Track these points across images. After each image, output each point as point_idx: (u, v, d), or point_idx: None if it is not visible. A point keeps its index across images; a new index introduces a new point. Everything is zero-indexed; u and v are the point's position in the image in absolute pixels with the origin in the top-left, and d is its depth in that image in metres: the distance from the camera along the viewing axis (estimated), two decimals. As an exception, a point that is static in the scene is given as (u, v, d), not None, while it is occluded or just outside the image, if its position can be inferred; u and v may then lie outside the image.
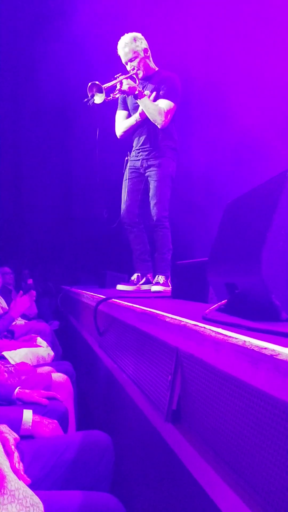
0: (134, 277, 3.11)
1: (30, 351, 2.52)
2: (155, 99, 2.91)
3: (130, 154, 3.11)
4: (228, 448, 0.84)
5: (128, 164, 3.11)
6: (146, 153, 3.00)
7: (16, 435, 1.32)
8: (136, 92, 2.83)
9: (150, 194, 2.98)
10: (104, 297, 2.43)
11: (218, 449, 0.89)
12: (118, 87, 2.84)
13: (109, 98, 2.82)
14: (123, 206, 3.09)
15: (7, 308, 4.17)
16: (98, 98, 2.74)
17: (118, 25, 4.53)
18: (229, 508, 0.81)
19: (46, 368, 2.23)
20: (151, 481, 1.46)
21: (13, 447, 1.07)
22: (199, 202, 5.08)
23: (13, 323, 3.76)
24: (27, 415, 1.45)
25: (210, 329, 1.00)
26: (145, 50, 2.95)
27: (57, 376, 2.04)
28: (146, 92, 2.95)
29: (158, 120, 2.86)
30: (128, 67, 2.99)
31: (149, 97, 2.91)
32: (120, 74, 2.93)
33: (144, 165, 3.03)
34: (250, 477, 0.75)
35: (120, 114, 3.14)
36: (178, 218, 5.10)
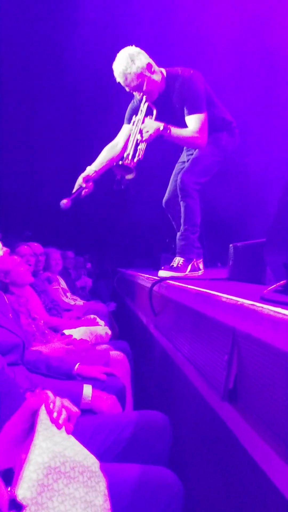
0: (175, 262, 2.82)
1: (89, 329, 2.62)
2: (182, 111, 2.51)
3: None
4: (286, 427, 0.83)
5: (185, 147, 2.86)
6: None
7: (77, 409, 1.38)
8: (161, 129, 2.38)
9: None
10: (159, 278, 2.45)
11: (276, 428, 0.88)
12: (138, 139, 2.40)
13: (138, 159, 2.41)
14: (168, 189, 2.83)
15: (67, 289, 4.35)
16: (130, 176, 2.40)
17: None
18: (288, 488, 0.80)
19: (104, 346, 2.30)
20: (207, 458, 1.47)
21: (51, 405, 0.96)
22: (256, 181, 4.93)
23: (72, 303, 3.92)
24: (87, 390, 1.51)
25: (268, 308, 0.98)
26: (148, 66, 2.38)
27: (115, 353, 2.11)
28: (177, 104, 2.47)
29: (199, 144, 2.48)
30: (137, 96, 2.52)
31: (178, 109, 2.51)
32: (132, 123, 2.48)
33: None
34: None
35: (126, 128, 2.68)
36: (234, 198, 4.99)
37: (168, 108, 2.54)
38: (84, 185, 2.61)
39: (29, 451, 0.76)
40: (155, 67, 2.44)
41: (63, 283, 4.25)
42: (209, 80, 2.60)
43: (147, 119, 2.45)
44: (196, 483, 1.55)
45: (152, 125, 2.38)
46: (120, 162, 2.36)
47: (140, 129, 2.40)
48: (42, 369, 1.69)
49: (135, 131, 2.43)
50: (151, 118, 2.49)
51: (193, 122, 2.45)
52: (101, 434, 1.32)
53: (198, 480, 1.54)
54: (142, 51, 2.41)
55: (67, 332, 2.65)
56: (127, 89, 2.46)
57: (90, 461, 0.83)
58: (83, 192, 2.63)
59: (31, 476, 0.72)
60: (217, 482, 1.36)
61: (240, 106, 4.93)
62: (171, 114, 2.54)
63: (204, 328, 1.43)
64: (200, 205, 2.64)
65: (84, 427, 1.33)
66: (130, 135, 2.48)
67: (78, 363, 1.74)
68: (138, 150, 2.41)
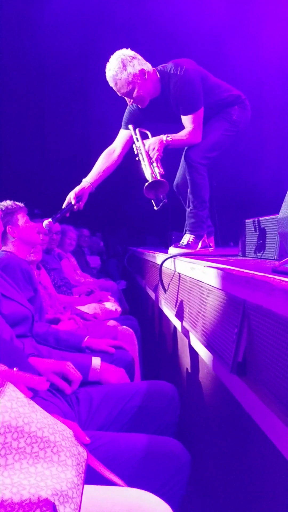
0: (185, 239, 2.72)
1: (98, 305, 2.62)
2: (178, 109, 2.46)
3: None
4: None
5: None
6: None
7: (80, 375, 1.38)
8: (164, 141, 2.37)
9: None
10: (169, 255, 2.42)
11: (286, 400, 0.86)
12: (152, 157, 2.37)
13: (159, 173, 2.33)
14: (178, 172, 2.78)
15: (78, 266, 4.35)
16: (164, 189, 2.33)
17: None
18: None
19: (113, 322, 2.31)
20: (215, 430, 1.47)
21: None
22: (269, 156, 4.83)
23: (82, 281, 3.93)
24: (96, 361, 1.51)
25: (280, 279, 0.95)
26: (141, 72, 2.31)
27: (123, 328, 2.11)
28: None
29: (194, 142, 2.46)
30: (129, 101, 2.46)
31: (176, 108, 2.46)
32: (135, 148, 2.45)
33: None
34: None
35: (123, 133, 2.63)
36: (246, 174, 4.92)
37: (167, 108, 2.50)
38: (73, 202, 2.53)
39: None
40: (149, 70, 2.36)
41: (73, 261, 4.25)
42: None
43: (147, 141, 2.44)
44: (204, 454, 1.56)
45: (154, 142, 2.38)
46: (147, 184, 2.29)
47: (146, 152, 2.39)
48: (51, 341, 1.70)
49: (143, 157, 2.39)
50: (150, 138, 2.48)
51: (188, 122, 2.44)
52: (109, 403, 1.32)
53: (205, 451, 1.55)
54: (137, 56, 2.34)
55: (78, 308, 2.66)
56: (118, 93, 2.42)
57: (60, 437, 0.79)
58: (74, 208, 2.55)
59: None
60: (225, 453, 1.37)
61: (255, 82, 4.81)
62: (171, 113, 2.51)
63: (214, 301, 1.42)
64: (210, 182, 2.58)
65: (92, 396, 1.33)
66: (141, 164, 2.42)
67: (87, 336, 1.74)
68: (156, 167, 2.37)
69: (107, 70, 2.35)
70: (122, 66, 2.30)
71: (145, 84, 2.35)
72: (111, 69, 2.32)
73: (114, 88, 2.39)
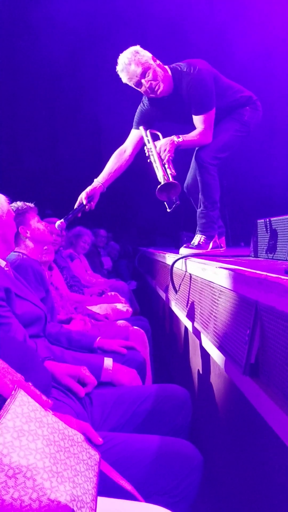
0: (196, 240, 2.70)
1: (109, 306, 2.63)
2: (189, 109, 2.46)
3: None
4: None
5: None
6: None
7: (95, 379, 1.39)
8: (175, 141, 2.36)
9: None
10: (180, 255, 2.42)
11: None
12: (163, 159, 2.35)
13: (171, 175, 2.32)
14: (189, 173, 2.77)
15: (90, 268, 4.37)
16: (176, 190, 2.33)
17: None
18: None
19: (123, 322, 2.32)
20: (228, 432, 1.47)
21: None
22: (281, 156, 4.79)
23: (93, 281, 3.94)
24: (108, 362, 1.52)
25: (293, 281, 0.94)
26: (152, 58, 2.37)
27: (134, 329, 2.11)
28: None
29: (205, 142, 2.46)
30: (143, 88, 2.41)
31: (189, 107, 2.45)
32: (147, 150, 2.45)
33: None
34: None
35: (134, 133, 2.63)
36: (258, 174, 4.88)
37: (179, 107, 2.50)
38: (85, 202, 2.53)
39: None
40: (161, 63, 2.39)
41: (84, 262, 4.27)
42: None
43: (158, 142, 2.43)
44: (216, 455, 1.55)
45: (166, 143, 2.38)
46: (159, 186, 2.29)
47: (157, 154, 2.39)
48: (63, 342, 1.71)
49: (155, 159, 2.39)
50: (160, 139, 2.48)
51: (199, 123, 2.45)
52: (122, 405, 1.32)
53: (218, 453, 1.55)
54: (146, 51, 2.38)
55: (89, 309, 2.68)
56: (131, 81, 2.39)
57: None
58: (86, 208, 2.55)
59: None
60: (237, 455, 1.36)
61: (266, 81, 4.78)
62: (182, 113, 2.51)
63: (226, 303, 1.41)
64: (221, 182, 2.57)
65: (105, 398, 1.33)
66: (153, 166, 2.41)
67: (99, 337, 1.75)
68: (168, 169, 2.37)
69: (120, 62, 2.35)
70: (135, 52, 2.34)
71: (158, 69, 2.35)
72: (125, 57, 2.34)
73: (128, 74, 2.37)
